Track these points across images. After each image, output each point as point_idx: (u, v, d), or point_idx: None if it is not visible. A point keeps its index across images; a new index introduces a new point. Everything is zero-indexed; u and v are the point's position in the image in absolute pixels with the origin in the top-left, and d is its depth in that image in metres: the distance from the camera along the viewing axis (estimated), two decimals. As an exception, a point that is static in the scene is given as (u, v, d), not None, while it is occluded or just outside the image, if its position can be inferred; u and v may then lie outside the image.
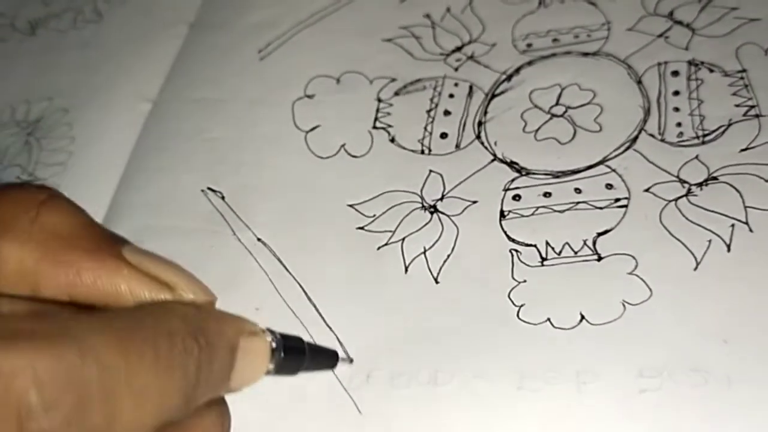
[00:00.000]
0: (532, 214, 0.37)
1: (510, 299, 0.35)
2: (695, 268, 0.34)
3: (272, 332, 0.29)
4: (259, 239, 0.39)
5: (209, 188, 0.41)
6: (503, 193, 0.38)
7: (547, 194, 0.38)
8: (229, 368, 0.26)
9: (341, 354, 0.32)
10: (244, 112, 0.44)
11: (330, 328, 0.35)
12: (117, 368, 0.22)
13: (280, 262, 0.38)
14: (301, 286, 0.37)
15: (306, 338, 0.34)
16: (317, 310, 0.36)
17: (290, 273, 0.37)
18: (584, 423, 0.31)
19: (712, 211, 0.35)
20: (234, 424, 0.31)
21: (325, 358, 0.31)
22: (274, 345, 0.28)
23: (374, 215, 0.39)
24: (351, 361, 0.33)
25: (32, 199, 0.27)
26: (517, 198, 0.38)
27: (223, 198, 0.41)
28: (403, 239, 0.38)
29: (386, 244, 0.38)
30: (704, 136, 0.38)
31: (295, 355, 0.30)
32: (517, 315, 0.34)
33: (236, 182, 0.42)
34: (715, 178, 0.36)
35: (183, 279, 0.27)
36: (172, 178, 0.42)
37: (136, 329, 0.23)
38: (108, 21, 0.53)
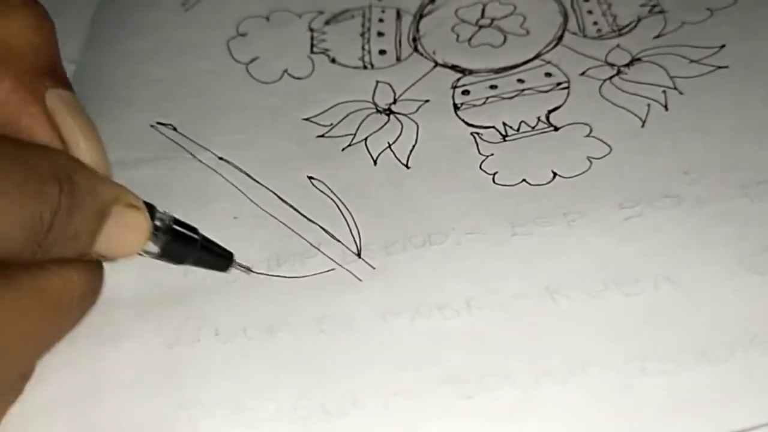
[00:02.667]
0: (484, 104, 0.40)
1: (482, 170, 0.37)
2: (642, 126, 0.37)
3: (164, 213, 0.29)
4: (221, 158, 0.39)
5: (158, 122, 0.41)
6: (452, 90, 0.41)
7: (493, 86, 0.40)
8: (93, 230, 0.26)
9: (237, 260, 0.32)
10: (179, 55, 0.44)
11: (312, 221, 0.36)
12: None
13: (248, 175, 0.38)
14: (273, 192, 0.37)
15: (294, 238, 0.35)
16: (295, 209, 0.36)
17: (260, 183, 0.38)
18: (578, 252, 0.33)
19: (644, 83, 0.39)
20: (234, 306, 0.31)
21: (217, 257, 0.31)
22: (158, 225, 0.29)
23: (331, 124, 0.40)
24: (249, 269, 0.33)
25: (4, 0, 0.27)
26: (466, 93, 0.40)
27: (174, 129, 0.41)
28: (366, 139, 0.39)
29: (350, 145, 0.39)
30: (619, 30, 0.42)
31: (183, 243, 0.30)
32: (493, 181, 0.36)
33: (185, 114, 0.42)
34: (639, 59, 0.40)
35: (89, 143, 0.28)
36: (116, 121, 0.42)
37: None
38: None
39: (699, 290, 0.31)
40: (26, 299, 0.25)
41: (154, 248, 0.29)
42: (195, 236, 0.30)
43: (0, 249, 0.24)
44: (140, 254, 0.29)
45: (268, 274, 0.33)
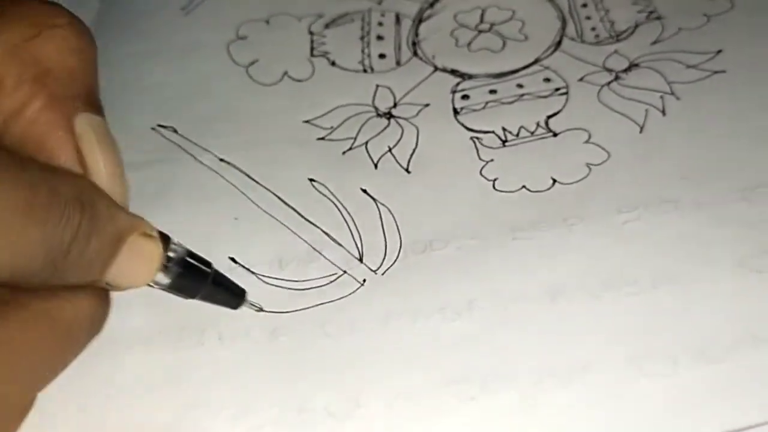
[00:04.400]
0: (483, 108, 0.40)
1: (482, 175, 0.37)
2: (640, 131, 0.38)
3: (178, 246, 0.28)
4: (221, 159, 0.39)
5: (159, 125, 0.41)
6: (452, 94, 0.41)
7: (492, 91, 0.41)
8: (108, 257, 0.26)
9: (249, 298, 0.31)
10: (179, 58, 0.45)
11: (313, 224, 0.36)
12: None
13: (248, 176, 0.38)
14: (274, 194, 0.37)
15: (296, 240, 0.35)
16: (296, 211, 0.37)
17: (261, 184, 0.38)
18: (578, 255, 0.33)
19: (642, 89, 0.39)
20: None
21: (228, 294, 0.30)
22: (171, 256, 0.28)
23: (331, 127, 0.40)
24: (260, 309, 0.32)
25: (45, 19, 0.27)
26: (465, 97, 0.41)
27: (175, 131, 0.41)
28: (367, 143, 0.39)
29: (350, 149, 0.39)
30: (617, 35, 0.43)
31: (195, 277, 0.29)
32: (493, 187, 0.36)
33: (186, 116, 0.42)
34: (636, 65, 0.41)
35: (110, 169, 0.27)
36: (118, 123, 0.41)
37: (17, 165, 0.23)
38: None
39: (697, 291, 0.32)
40: (37, 326, 0.25)
41: (165, 279, 0.28)
42: (208, 270, 0.29)
43: (19, 270, 0.23)
44: (150, 285, 0.28)
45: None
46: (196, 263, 0.29)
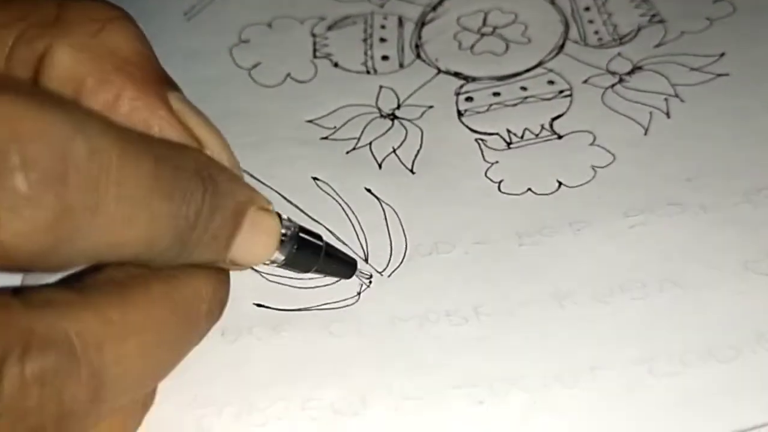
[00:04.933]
0: (487, 110, 0.40)
1: (488, 177, 0.37)
2: (645, 134, 0.38)
3: (290, 221, 0.29)
4: (225, 159, 0.39)
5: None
6: (455, 96, 0.41)
7: (496, 94, 0.41)
8: (231, 231, 0.26)
9: (361, 266, 0.32)
10: (182, 62, 0.44)
11: (318, 222, 0.36)
12: (108, 161, 0.21)
13: (252, 176, 0.38)
14: (278, 193, 0.37)
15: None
16: (300, 209, 0.36)
17: (265, 184, 0.38)
18: (585, 259, 0.33)
19: (646, 91, 0.39)
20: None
21: (341, 265, 0.31)
22: (285, 232, 0.28)
23: (335, 126, 0.40)
24: (370, 277, 0.33)
25: (101, 14, 0.27)
26: (469, 99, 0.40)
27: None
28: (371, 143, 0.39)
29: (354, 149, 0.39)
30: (620, 38, 0.43)
31: (309, 251, 0.29)
32: (499, 189, 0.36)
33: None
34: (640, 68, 0.41)
35: (217, 141, 0.28)
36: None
37: (142, 141, 0.23)
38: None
39: (704, 292, 0.32)
40: (159, 310, 0.24)
41: (280, 256, 0.28)
42: (320, 243, 0.29)
43: (149, 248, 0.23)
44: (266, 263, 0.28)
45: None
46: (308, 237, 0.29)
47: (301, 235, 0.29)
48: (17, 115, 0.20)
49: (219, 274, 0.27)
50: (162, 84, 0.27)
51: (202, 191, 0.24)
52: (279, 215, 0.28)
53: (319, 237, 0.30)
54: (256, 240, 0.27)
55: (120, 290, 0.24)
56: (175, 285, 0.25)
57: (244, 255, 0.27)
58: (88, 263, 0.23)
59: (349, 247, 0.35)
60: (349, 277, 0.32)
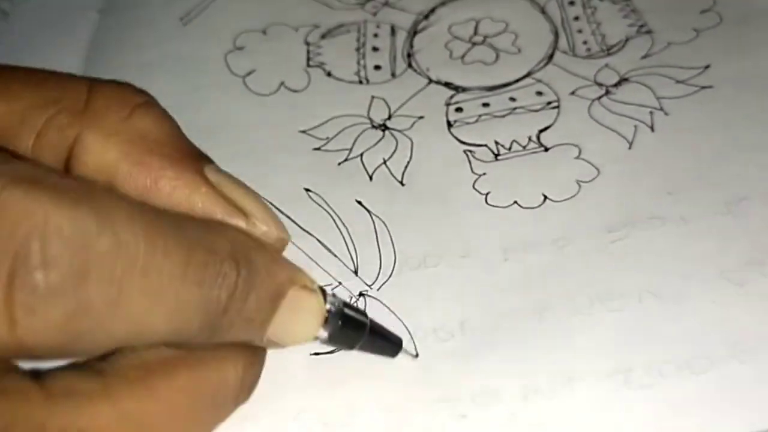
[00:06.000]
0: (476, 121, 0.41)
1: (475, 189, 0.38)
2: (629, 147, 0.39)
3: (334, 297, 0.28)
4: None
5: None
6: (446, 107, 0.42)
7: (485, 104, 0.42)
8: (268, 314, 0.25)
9: (406, 346, 0.31)
10: (177, 69, 0.45)
11: (309, 233, 0.37)
12: (135, 252, 0.21)
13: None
14: (271, 203, 0.38)
15: (291, 249, 0.36)
16: (292, 220, 0.37)
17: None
18: (566, 273, 0.34)
19: (631, 104, 0.40)
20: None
21: (386, 342, 0.30)
22: (329, 308, 0.27)
23: (327, 137, 0.41)
24: (416, 355, 0.32)
25: (129, 99, 0.27)
26: (459, 110, 0.41)
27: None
28: (362, 154, 0.40)
29: (346, 160, 0.40)
30: (608, 49, 0.43)
31: (353, 328, 0.29)
32: (486, 201, 0.37)
33: (184, 128, 0.41)
34: (626, 79, 0.42)
35: (259, 209, 0.27)
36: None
37: (173, 226, 0.23)
38: (15, 18, 0.52)
39: (681, 303, 0.33)
40: (182, 399, 0.24)
41: (324, 334, 0.27)
42: (365, 320, 0.29)
43: (177, 332, 0.23)
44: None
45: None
46: (353, 314, 0.28)
47: (346, 311, 0.28)
48: (40, 209, 0.20)
49: (253, 354, 0.27)
50: (198, 160, 0.27)
51: (236, 275, 0.24)
52: (324, 291, 0.28)
53: (363, 314, 0.29)
54: (296, 321, 0.27)
55: (143, 378, 0.24)
56: (203, 371, 0.25)
57: (283, 336, 0.27)
58: (112, 349, 0.24)
59: (339, 258, 0.36)
60: (394, 355, 0.31)
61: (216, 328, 0.24)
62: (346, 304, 0.28)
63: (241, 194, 0.27)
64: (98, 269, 0.20)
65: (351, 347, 0.29)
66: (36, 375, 0.23)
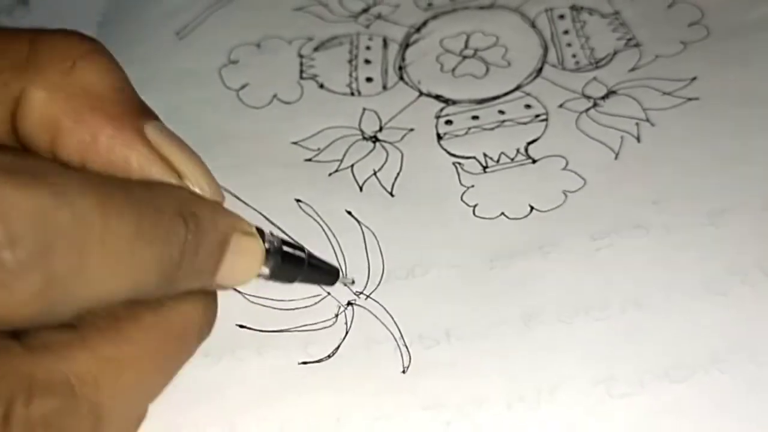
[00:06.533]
0: (466, 134, 0.41)
1: (463, 201, 0.38)
2: (615, 158, 0.39)
3: (272, 236, 0.30)
4: (212, 181, 0.40)
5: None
6: (436, 120, 0.42)
7: (475, 117, 0.42)
8: (216, 261, 0.27)
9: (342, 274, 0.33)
10: (171, 83, 0.46)
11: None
12: (90, 221, 0.22)
13: (237, 197, 0.39)
14: (262, 215, 0.39)
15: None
16: (284, 232, 0.38)
17: (250, 206, 0.39)
18: (552, 282, 0.35)
19: (618, 116, 0.41)
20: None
21: (324, 273, 0.32)
22: (268, 248, 0.29)
23: (319, 148, 0.42)
24: (353, 282, 0.34)
25: (72, 49, 0.27)
26: (449, 123, 0.42)
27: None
28: (352, 165, 0.41)
29: (337, 171, 0.41)
30: (597, 62, 0.44)
31: (293, 263, 0.30)
32: (473, 213, 0.38)
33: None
34: (614, 92, 0.42)
35: (196, 171, 0.28)
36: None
37: (121, 192, 0.24)
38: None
39: (663, 314, 0.33)
40: (151, 340, 0.26)
41: (266, 271, 0.29)
42: (302, 255, 0.30)
43: (137, 291, 0.24)
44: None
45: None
46: (291, 250, 0.30)
47: (284, 248, 0.30)
48: None
49: (207, 296, 0.28)
50: (138, 116, 0.27)
51: (185, 231, 0.25)
52: (261, 232, 0.29)
53: (301, 248, 0.31)
54: (241, 263, 0.28)
55: (114, 325, 0.25)
56: (165, 313, 0.27)
57: (229, 279, 0.28)
58: (81, 312, 0.24)
59: (329, 269, 0.36)
60: (332, 283, 0.33)
61: (172, 281, 0.25)
62: (284, 242, 0.30)
63: (176, 154, 0.27)
64: (61, 242, 0.21)
65: (292, 281, 0.30)
66: (15, 335, 0.24)
